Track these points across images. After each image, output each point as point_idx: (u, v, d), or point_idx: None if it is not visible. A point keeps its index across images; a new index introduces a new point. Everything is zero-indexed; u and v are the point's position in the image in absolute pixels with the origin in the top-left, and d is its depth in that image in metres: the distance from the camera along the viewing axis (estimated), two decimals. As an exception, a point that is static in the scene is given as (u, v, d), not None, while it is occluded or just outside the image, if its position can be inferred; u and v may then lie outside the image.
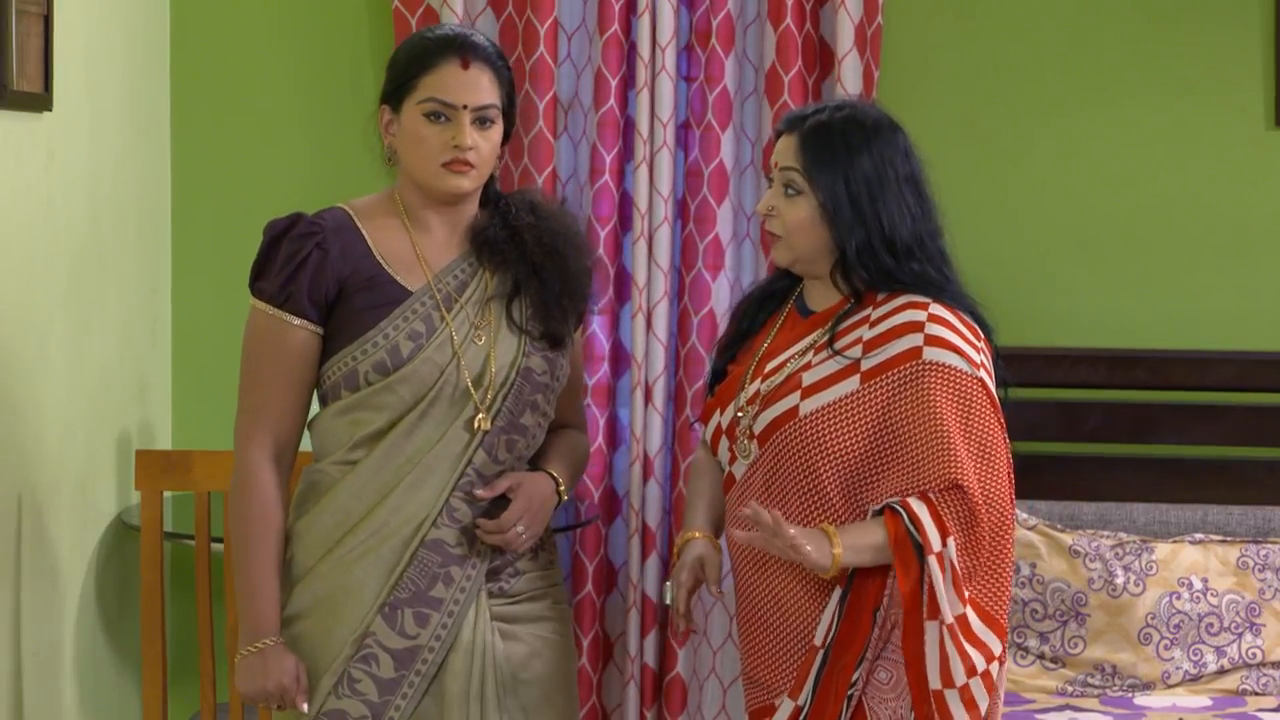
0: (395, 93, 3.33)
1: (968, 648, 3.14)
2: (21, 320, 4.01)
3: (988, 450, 3.19)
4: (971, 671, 3.14)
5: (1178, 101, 4.75)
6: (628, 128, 4.68)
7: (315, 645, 3.30)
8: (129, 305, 4.64)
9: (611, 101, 4.64)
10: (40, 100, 4.04)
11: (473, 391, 3.30)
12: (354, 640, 3.28)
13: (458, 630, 3.30)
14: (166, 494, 4.39)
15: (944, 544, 3.13)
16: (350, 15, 4.86)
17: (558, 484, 3.40)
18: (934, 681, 3.14)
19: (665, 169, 4.63)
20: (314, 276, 3.29)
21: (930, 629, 3.14)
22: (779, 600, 3.26)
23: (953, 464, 3.14)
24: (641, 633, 4.67)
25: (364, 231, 3.34)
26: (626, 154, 4.69)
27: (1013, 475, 3.25)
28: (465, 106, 3.28)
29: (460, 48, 3.30)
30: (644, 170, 4.62)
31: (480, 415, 3.30)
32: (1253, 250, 4.75)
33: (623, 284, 4.72)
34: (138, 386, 4.71)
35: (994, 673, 3.19)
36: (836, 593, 3.20)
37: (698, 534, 3.42)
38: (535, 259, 3.36)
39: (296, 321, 3.30)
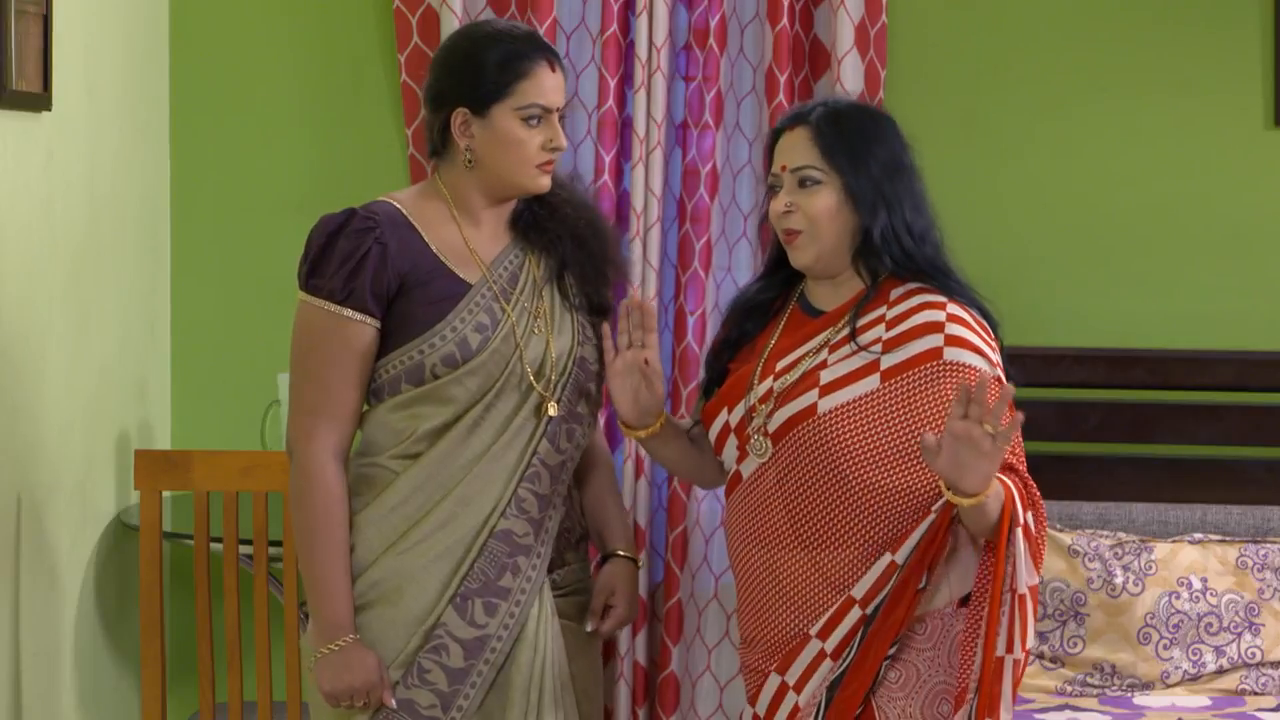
0: (485, 96, 3.33)
1: (1030, 618, 3.17)
2: (21, 320, 4.01)
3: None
4: (1025, 639, 3.16)
5: (1178, 101, 4.75)
6: (625, 128, 4.69)
7: (377, 637, 3.31)
8: (128, 304, 4.64)
9: (611, 101, 4.64)
10: (39, 100, 4.05)
11: (534, 381, 3.34)
12: (424, 631, 3.30)
13: (524, 621, 3.33)
14: (166, 494, 4.40)
15: (1025, 516, 3.14)
16: (351, 15, 4.86)
17: (631, 558, 3.52)
18: (1000, 648, 3.14)
19: (658, 169, 4.63)
20: (376, 271, 3.30)
21: (1005, 599, 3.15)
22: (777, 576, 3.27)
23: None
24: (632, 631, 4.67)
25: (416, 225, 3.36)
26: (625, 154, 4.69)
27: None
28: (556, 109, 3.35)
29: (545, 50, 3.36)
30: (640, 170, 4.62)
31: (549, 402, 3.34)
32: (1253, 250, 4.75)
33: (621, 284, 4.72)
34: (137, 386, 4.71)
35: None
36: (886, 557, 3.20)
37: None
38: (578, 229, 3.42)
39: (359, 317, 3.31)
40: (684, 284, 4.68)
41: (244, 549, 4.21)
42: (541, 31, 4.61)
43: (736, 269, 4.73)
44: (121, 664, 4.60)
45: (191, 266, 4.90)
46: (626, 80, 4.67)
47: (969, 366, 3.21)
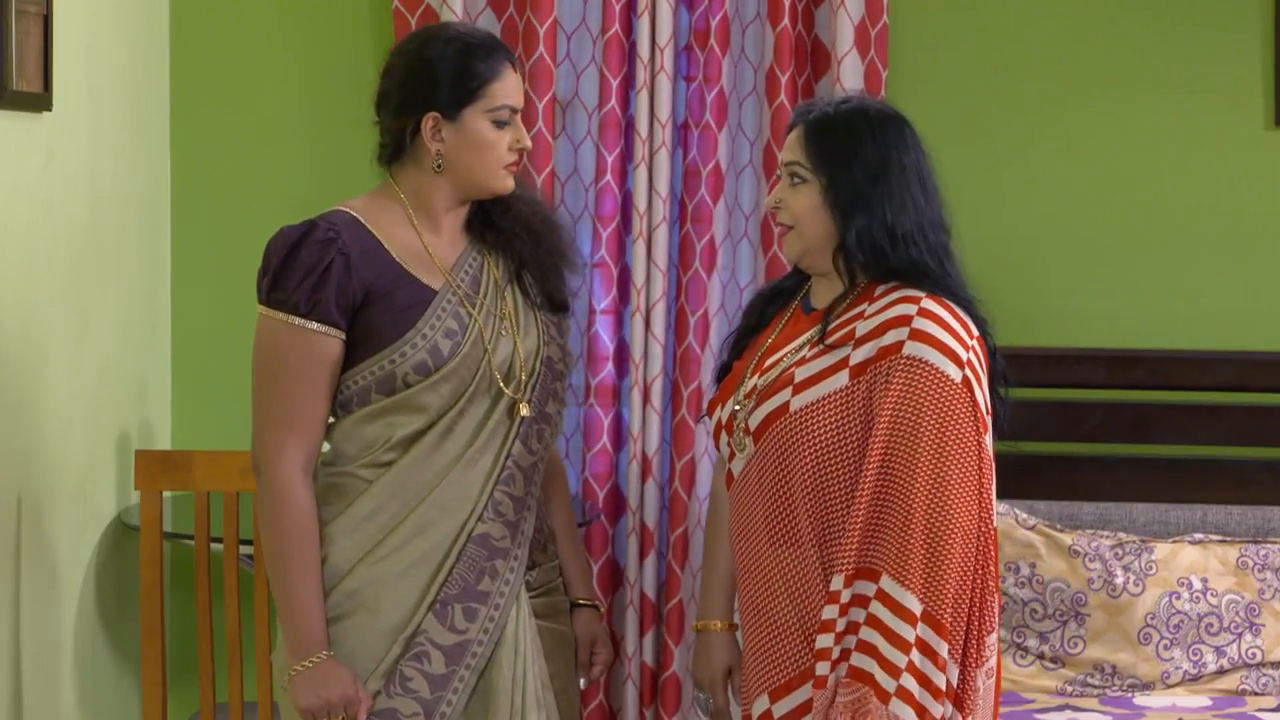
0: (456, 100, 3.32)
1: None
2: (21, 320, 4.01)
3: (954, 451, 3.15)
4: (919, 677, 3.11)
5: (1178, 101, 4.76)
6: (628, 128, 4.69)
7: (357, 646, 3.29)
8: (129, 305, 4.64)
9: (613, 102, 4.64)
10: (40, 100, 4.05)
11: (504, 385, 3.32)
12: (404, 639, 3.28)
13: (503, 624, 3.32)
14: (166, 494, 4.40)
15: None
16: (350, 15, 4.87)
17: (593, 604, 3.56)
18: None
19: (663, 169, 4.63)
20: (340, 283, 3.26)
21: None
22: (764, 574, 3.26)
23: (909, 479, 3.11)
24: (640, 631, 4.67)
25: (375, 233, 3.33)
26: (628, 154, 4.69)
27: (988, 477, 3.20)
28: (520, 109, 3.37)
29: (507, 51, 3.37)
30: (643, 170, 4.62)
31: (521, 403, 3.33)
32: (1253, 250, 4.76)
33: (625, 284, 4.72)
34: (137, 386, 4.71)
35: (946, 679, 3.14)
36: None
37: (718, 624, 3.46)
38: (533, 224, 3.41)
39: (325, 330, 3.26)
40: (685, 284, 4.69)
41: (244, 549, 4.21)
42: (542, 32, 4.62)
43: (739, 269, 4.73)
44: (121, 664, 4.60)
45: (191, 266, 4.90)
46: (629, 80, 4.67)
47: (926, 363, 3.16)
